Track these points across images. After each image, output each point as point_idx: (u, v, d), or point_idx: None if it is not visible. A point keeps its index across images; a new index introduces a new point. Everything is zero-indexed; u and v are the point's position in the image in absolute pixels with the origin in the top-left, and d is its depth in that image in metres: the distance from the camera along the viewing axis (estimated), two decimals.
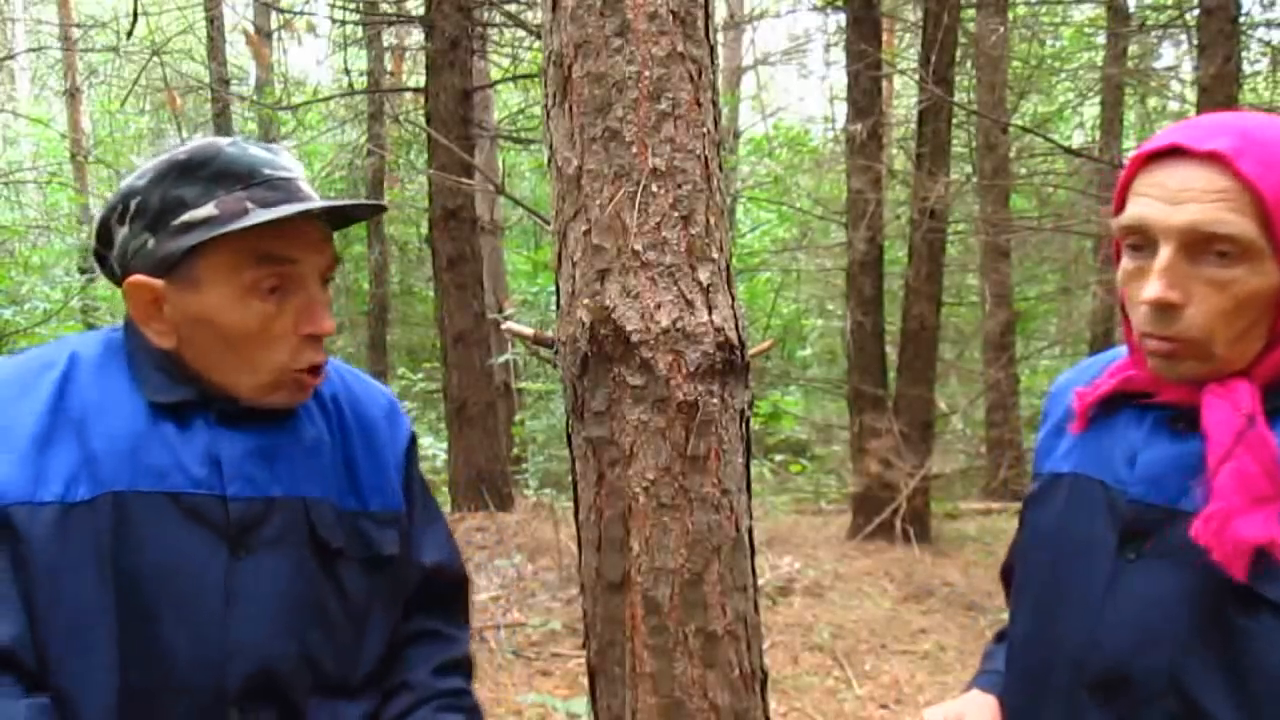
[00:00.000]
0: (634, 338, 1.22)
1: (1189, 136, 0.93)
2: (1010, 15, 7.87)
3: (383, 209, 1.20)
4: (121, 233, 1.07)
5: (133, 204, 1.05)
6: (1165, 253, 0.92)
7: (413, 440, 1.25)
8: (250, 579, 1.04)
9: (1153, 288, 0.93)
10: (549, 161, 1.33)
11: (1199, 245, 0.91)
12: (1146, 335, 0.96)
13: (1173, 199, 0.91)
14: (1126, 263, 0.98)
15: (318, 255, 1.07)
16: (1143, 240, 0.95)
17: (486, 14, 7.73)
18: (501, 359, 7.38)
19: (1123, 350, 1.07)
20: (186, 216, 1.02)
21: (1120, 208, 0.99)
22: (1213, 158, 0.90)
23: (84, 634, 0.98)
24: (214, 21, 9.75)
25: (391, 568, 1.18)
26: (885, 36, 8.07)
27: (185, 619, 1.01)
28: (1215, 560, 0.91)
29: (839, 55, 9.04)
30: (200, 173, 1.04)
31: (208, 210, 1.02)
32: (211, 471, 1.05)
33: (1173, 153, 0.93)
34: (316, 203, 1.05)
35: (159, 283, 1.04)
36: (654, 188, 1.23)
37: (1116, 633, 0.99)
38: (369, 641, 1.16)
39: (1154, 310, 0.94)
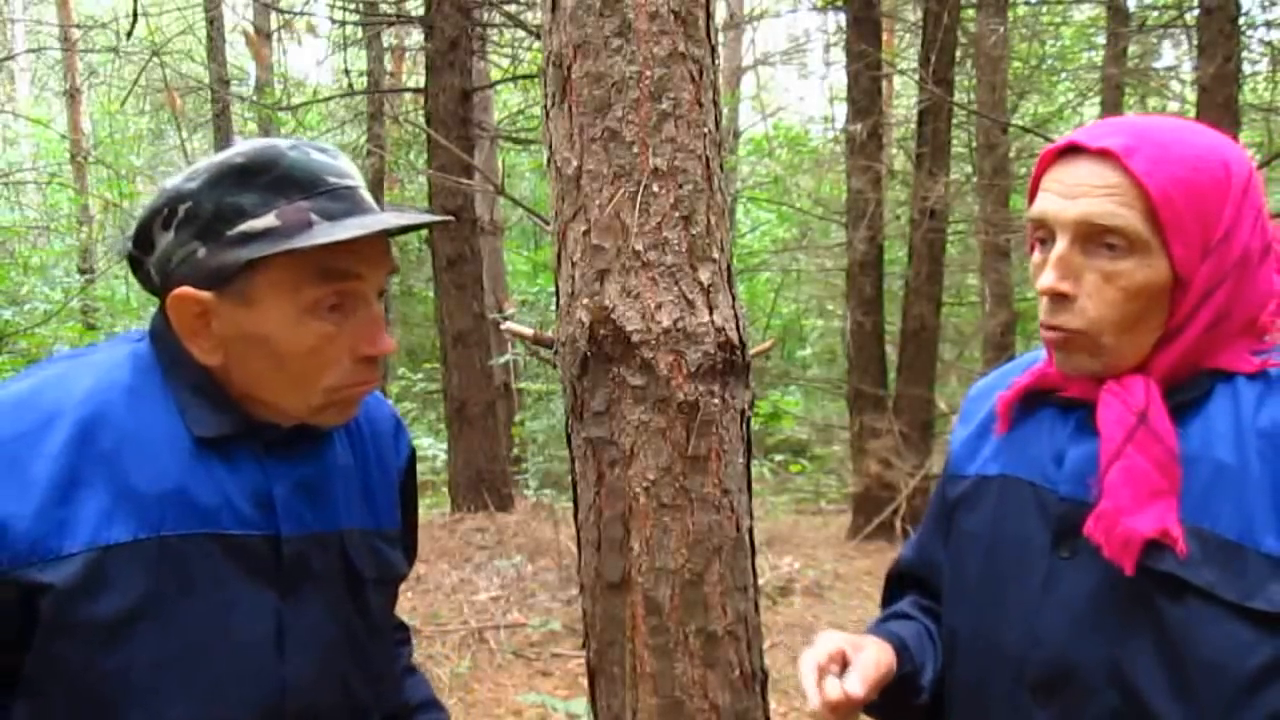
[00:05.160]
0: (634, 338, 1.22)
1: (1088, 135, 0.98)
2: (1010, 15, 7.86)
3: (449, 220, 1.12)
4: (165, 239, 0.98)
5: (181, 209, 0.96)
6: (1060, 245, 0.97)
7: (412, 455, 1.23)
8: (299, 620, 1.01)
9: (1046, 277, 0.97)
10: (549, 162, 1.33)
11: (1091, 238, 0.95)
12: (1044, 325, 1.00)
13: (1068, 193, 0.96)
14: (1036, 256, 1.02)
15: (379, 269, 1.00)
16: (1046, 233, 0.99)
17: (486, 14, 7.73)
18: (501, 359, 7.39)
19: (1042, 353, 1.09)
20: (244, 227, 0.94)
21: (1031, 204, 1.03)
22: (1104, 155, 0.95)
23: (124, 685, 0.93)
24: (214, 22, 9.75)
25: (397, 583, 1.18)
26: (885, 36, 8.07)
27: (238, 663, 0.97)
28: (1106, 557, 0.94)
29: (839, 55, 9.04)
30: (260, 179, 0.95)
31: (268, 221, 0.94)
32: (260, 510, 0.99)
33: (1072, 150, 0.98)
34: (389, 220, 0.97)
35: (208, 295, 0.95)
36: (655, 188, 1.23)
37: (1055, 630, 1.00)
38: (385, 659, 1.16)
39: (1049, 299, 0.98)
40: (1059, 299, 0.97)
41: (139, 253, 1.01)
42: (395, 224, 0.96)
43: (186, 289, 0.96)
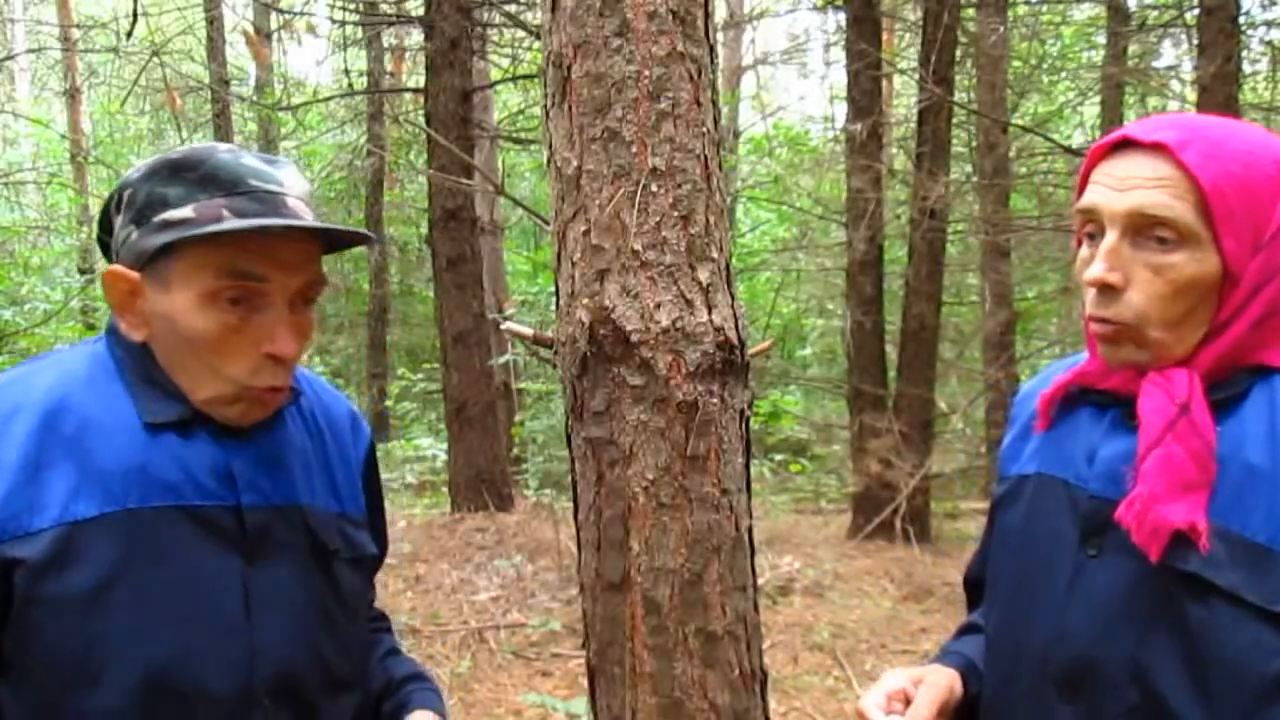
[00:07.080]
0: (633, 338, 1.22)
1: (1140, 129, 0.98)
2: (1010, 15, 7.86)
3: (369, 240, 1.12)
4: (117, 221, 1.08)
5: (125, 195, 1.06)
6: (1110, 237, 0.97)
7: (372, 446, 1.28)
8: (265, 586, 1.06)
9: (1095, 268, 0.97)
10: (548, 162, 1.33)
11: (1141, 230, 0.96)
12: (1091, 318, 1.00)
13: (1120, 186, 0.97)
14: (1083, 251, 1.02)
15: (292, 276, 1.04)
16: (1095, 227, 1.00)
17: (486, 14, 7.73)
18: (501, 359, 7.38)
19: (1085, 354, 1.09)
20: (165, 215, 1.03)
21: (1080, 198, 1.03)
22: (1158, 148, 0.95)
23: (100, 652, 0.98)
24: (214, 22, 9.75)
25: (371, 565, 1.23)
26: (885, 36, 8.06)
27: (208, 628, 1.02)
28: (1134, 543, 0.94)
29: (839, 55, 9.04)
30: (188, 174, 1.04)
31: (184, 212, 1.02)
32: (222, 483, 1.05)
33: (1124, 144, 0.99)
34: (284, 221, 1.02)
35: (136, 275, 1.04)
36: (654, 187, 1.23)
37: (1080, 626, 1.01)
38: (360, 636, 1.22)
39: (1096, 291, 0.98)
40: (1107, 290, 0.98)
41: (104, 235, 1.12)
42: (281, 223, 1.01)
43: (119, 267, 1.05)
